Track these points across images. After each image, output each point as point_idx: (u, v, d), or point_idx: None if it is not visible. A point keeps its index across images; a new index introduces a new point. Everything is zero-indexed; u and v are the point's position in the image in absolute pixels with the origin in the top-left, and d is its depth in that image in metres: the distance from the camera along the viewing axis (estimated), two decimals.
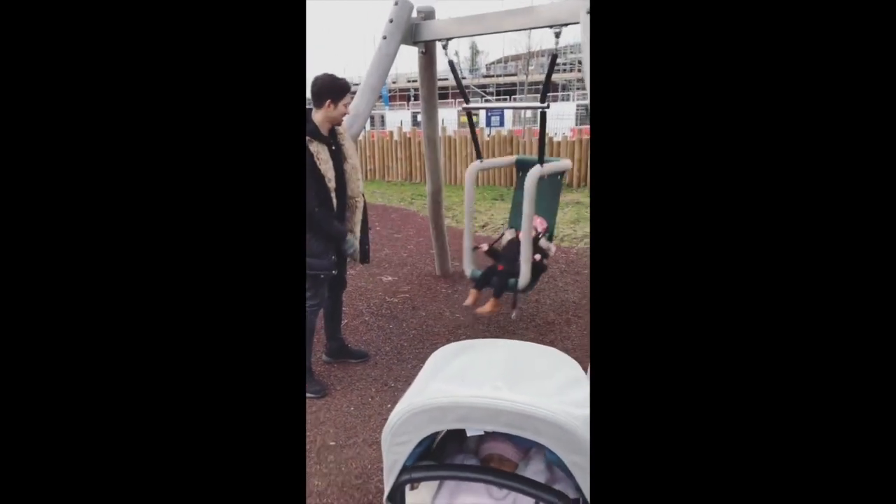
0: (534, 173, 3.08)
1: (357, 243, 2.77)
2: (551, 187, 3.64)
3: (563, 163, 3.56)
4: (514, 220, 3.76)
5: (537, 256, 3.27)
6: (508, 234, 3.71)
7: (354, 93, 2.75)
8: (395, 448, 1.14)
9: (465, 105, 3.54)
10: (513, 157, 3.90)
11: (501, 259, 3.50)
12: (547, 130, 3.23)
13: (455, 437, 1.41)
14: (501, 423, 1.06)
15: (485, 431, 1.21)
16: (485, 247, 3.65)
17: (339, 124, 2.66)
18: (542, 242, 3.42)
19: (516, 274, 3.19)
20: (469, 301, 3.49)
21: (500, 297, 3.32)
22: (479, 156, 3.54)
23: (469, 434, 1.22)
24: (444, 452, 1.37)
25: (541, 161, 3.14)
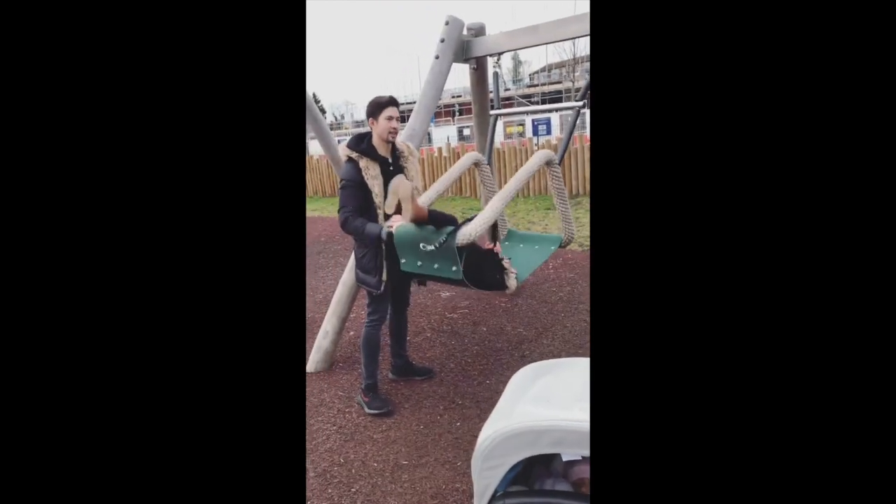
0: (542, 155, 2.65)
1: (387, 227, 2.45)
2: (541, 253, 2.99)
3: (565, 236, 2.94)
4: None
5: (490, 244, 2.50)
6: None
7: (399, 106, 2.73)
8: (487, 473, 1.12)
9: (492, 112, 3.47)
10: (505, 232, 3.24)
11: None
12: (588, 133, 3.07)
13: (541, 461, 1.37)
14: None
15: (581, 456, 1.18)
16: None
17: (388, 140, 2.68)
18: (505, 261, 2.43)
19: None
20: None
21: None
22: (489, 162, 3.22)
23: (564, 459, 1.19)
24: (530, 476, 1.34)
25: (560, 160, 2.94)
